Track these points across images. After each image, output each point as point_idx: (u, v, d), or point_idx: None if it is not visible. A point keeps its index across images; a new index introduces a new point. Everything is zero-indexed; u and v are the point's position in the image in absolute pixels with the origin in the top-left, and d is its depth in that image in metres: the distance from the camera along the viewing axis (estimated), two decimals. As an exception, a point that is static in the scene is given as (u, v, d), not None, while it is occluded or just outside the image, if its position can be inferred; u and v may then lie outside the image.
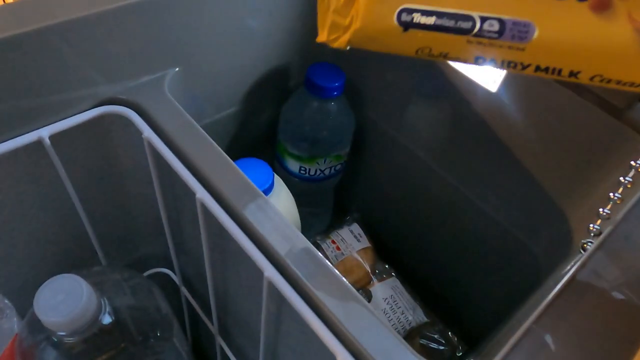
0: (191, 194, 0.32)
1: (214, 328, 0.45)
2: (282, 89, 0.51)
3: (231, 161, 0.33)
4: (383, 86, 0.50)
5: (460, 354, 0.46)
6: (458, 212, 0.48)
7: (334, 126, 0.48)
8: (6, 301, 0.39)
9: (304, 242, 0.29)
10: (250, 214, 0.30)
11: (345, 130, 0.49)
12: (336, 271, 0.28)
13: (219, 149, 0.33)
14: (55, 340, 0.35)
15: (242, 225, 0.30)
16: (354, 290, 0.27)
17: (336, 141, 0.49)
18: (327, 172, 0.50)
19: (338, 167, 0.51)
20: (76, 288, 0.32)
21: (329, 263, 0.28)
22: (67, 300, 0.31)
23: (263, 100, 0.50)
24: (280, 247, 0.28)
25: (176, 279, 0.49)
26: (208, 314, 0.46)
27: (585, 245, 0.26)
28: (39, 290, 0.32)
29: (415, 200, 0.52)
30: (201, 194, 0.31)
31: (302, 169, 0.50)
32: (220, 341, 0.46)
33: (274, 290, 0.28)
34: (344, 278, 0.28)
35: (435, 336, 0.46)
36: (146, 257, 0.51)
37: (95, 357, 0.37)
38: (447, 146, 0.46)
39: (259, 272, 0.29)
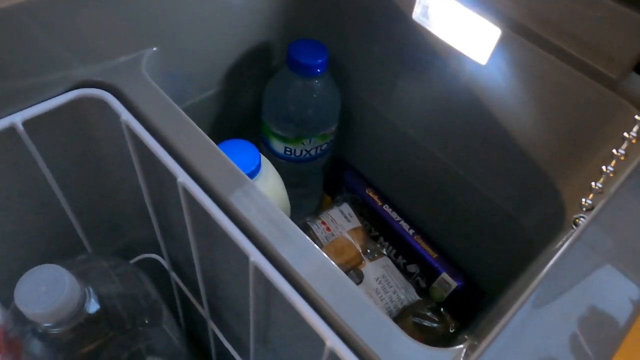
0: (173, 178, 0.31)
1: (205, 312, 0.45)
2: (265, 68, 0.50)
3: (213, 144, 0.32)
4: (369, 61, 0.48)
5: (453, 330, 0.46)
6: (448, 187, 0.47)
7: (319, 105, 0.47)
8: (-11, 293, 0.38)
9: (290, 225, 0.28)
10: (234, 197, 0.29)
11: (331, 108, 0.48)
12: (323, 253, 0.27)
13: (200, 131, 0.32)
14: (41, 331, 0.34)
15: (226, 209, 0.29)
16: (342, 272, 0.27)
17: (322, 120, 0.48)
18: (313, 152, 0.49)
19: (324, 146, 0.50)
20: (57, 278, 0.31)
21: (316, 245, 0.28)
22: (48, 291, 0.30)
23: (245, 79, 0.49)
24: (266, 231, 0.28)
25: (165, 264, 0.48)
26: (199, 298, 0.45)
27: (577, 220, 0.26)
28: (19, 282, 0.31)
29: (404, 177, 0.51)
30: (183, 178, 0.30)
31: (288, 149, 0.49)
32: (212, 325, 0.46)
33: (260, 275, 0.28)
34: (332, 260, 0.27)
35: (428, 314, 0.46)
36: (134, 242, 0.50)
37: (83, 347, 0.36)
38: (436, 122, 0.45)
39: (244, 257, 0.28)
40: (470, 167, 0.44)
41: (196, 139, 0.32)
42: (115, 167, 0.40)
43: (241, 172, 0.30)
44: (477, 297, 0.48)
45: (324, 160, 0.53)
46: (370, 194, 0.53)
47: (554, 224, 0.36)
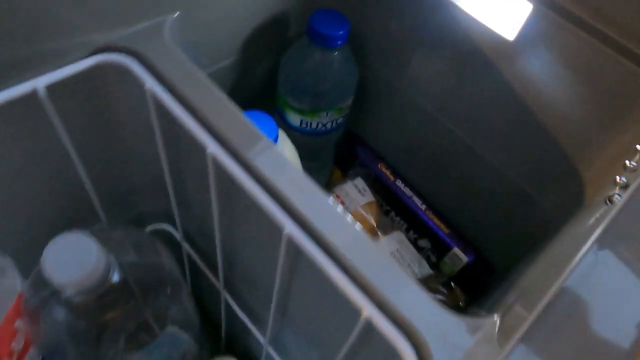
0: (200, 149, 0.31)
1: (219, 284, 0.45)
2: (282, 38, 0.49)
3: (242, 114, 0.31)
4: (388, 34, 0.48)
5: (463, 304, 0.47)
6: (462, 163, 0.47)
7: (338, 77, 0.46)
8: (7, 259, 0.38)
9: (323, 197, 0.28)
10: (266, 168, 0.29)
11: (349, 81, 0.47)
12: (356, 226, 0.27)
13: (229, 100, 0.32)
14: (64, 299, 0.34)
15: (258, 180, 0.29)
16: (376, 244, 0.27)
17: (340, 93, 0.47)
18: (328, 125, 0.49)
19: (340, 120, 0.50)
20: (85, 246, 0.31)
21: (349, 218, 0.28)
22: (76, 259, 0.30)
23: (262, 50, 0.48)
24: (300, 203, 0.27)
25: (177, 235, 0.48)
26: (211, 269, 0.45)
27: (612, 197, 0.26)
28: (46, 248, 0.30)
29: (418, 152, 0.52)
30: (213, 148, 0.30)
31: (304, 122, 0.48)
32: (226, 296, 0.46)
33: (292, 246, 0.28)
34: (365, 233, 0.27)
35: (439, 288, 0.47)
36: (145, 213, 0.50)
37: (103, 315, 0.37)
38: (455, 97, 0.44)
39: (276, 228, 0.28)
40: (487, 143, 0.44)
41: (224, 109, 0.31)
42: (132, 136, 0.39)
43: (272, 142, 0.30)
44: (487, 272, 0.49)
45: (338, 134, 0.52)
46: (383, 169, 0.53)
47: (574, 202, 0.36)
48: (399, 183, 0.52)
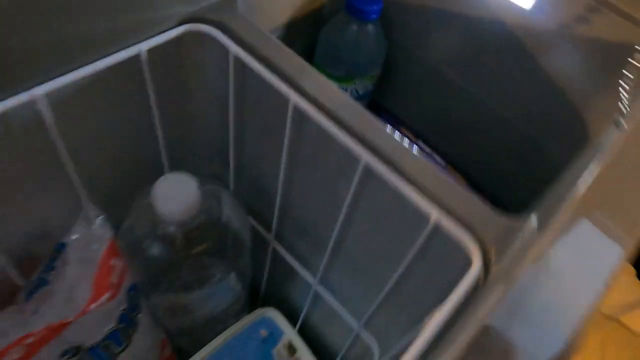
0: (281, 101, 0.36)
1: (270, 235, 0.50)
2: (318, 16, 0.55)
3: (320, 73, 0.37)
4: (411, 8, 0.54)
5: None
6: (478, 119, 0.54)
7: (371, 47, 0.53)
8: (96, 209, 0.42)
9: (384, 127, 0.34)
10: (341, 111, 0.35)
11: (380, 51, 0.54)
12: (415, 149, 0.34)
13: (301, 58, 0.37)
14: (159, 234, 0.40)
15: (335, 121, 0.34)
16: (436, 168, 0.33)
17: (372, 62, 0.54)
18: (361, 91, 0.56)
19: (370, 87, 0.56)
20: (188, 182, 0.37)
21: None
22: (183, 193, 0.36)
23: (302, 26, 0.54)
24: (370, 135, 0.33)
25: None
26: (259, 224, 0.51)
27: (618, 121, 0.33)
28: (157, 184, 0.36)
29: (439, 114, 0.58)
30: (295, 98, 0.35)
31: (339, 88, 0.55)
32: (276, 245, 0.51)
33: (365, 174, 0.34)
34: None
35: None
36: (198, 174, 0.54)
37: (186, 250, 0.42)
38: (473, 61, 0.51)
39: (352, 161, 0.34)
40: (500, 98, 0.50)
41: (299, 65, 0.37)
42: (204, 101, 0.44)
43: (344, 93, 0.36)
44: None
45: (366, 100, 0.59)
46: (405, 132, 0.60)
47: (578, 146, 0.43)
48: (421, 144, 0.59)
